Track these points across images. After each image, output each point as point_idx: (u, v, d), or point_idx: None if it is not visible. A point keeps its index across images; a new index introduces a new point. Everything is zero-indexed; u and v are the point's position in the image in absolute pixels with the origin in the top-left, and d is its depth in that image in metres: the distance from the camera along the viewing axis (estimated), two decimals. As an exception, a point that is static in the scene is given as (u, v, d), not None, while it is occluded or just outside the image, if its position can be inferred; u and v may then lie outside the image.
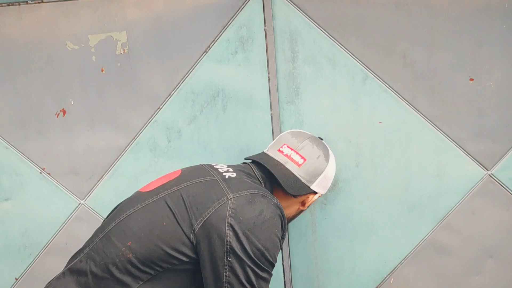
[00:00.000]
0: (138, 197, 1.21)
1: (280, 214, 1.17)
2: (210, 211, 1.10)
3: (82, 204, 1.71)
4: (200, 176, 1.20)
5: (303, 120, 1.60)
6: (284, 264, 1.70)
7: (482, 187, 1.61)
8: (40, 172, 1.70)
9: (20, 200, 1.72)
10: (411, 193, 1.63)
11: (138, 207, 1.17)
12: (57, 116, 1.65)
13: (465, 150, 1.59)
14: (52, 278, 1.19)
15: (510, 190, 1.60)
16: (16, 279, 1.77)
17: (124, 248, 1.10)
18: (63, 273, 1.16)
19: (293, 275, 1.72)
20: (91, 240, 1.20)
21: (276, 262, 1.15)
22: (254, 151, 1.62)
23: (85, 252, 1.17)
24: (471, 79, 1.54)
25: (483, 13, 1.50)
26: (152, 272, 1.10)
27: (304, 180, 1.29)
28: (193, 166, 1.30)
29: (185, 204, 1.12)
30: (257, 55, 1.57)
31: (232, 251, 1.07)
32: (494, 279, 1.67)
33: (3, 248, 1.75)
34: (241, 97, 1.59)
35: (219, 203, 1.11)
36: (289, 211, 1.36)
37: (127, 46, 1.59)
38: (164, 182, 1.22)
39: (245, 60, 1.57)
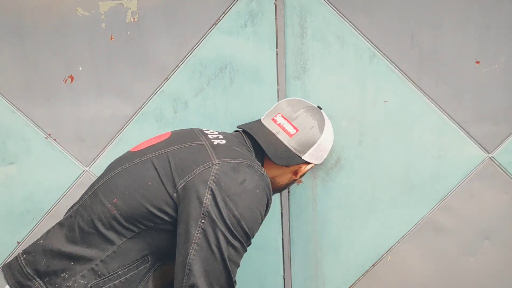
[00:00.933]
0: (127, 156, 1.24)
1: (265, 186, 1.15)
2: (194, 174, 1.11)
3: (87, 171, 1.73)
4: (189, 140, 1.21)
5: (309, 96, 1.62)
6: (283, 238, 1.73)
7: (482, 170, 1.63)
8: (46, 138, 1.71)
9: (25, 165, 1.73)
10: (411, 173, 1.65)
11: (126, 166, 1.19)
12: (65, 82, 1.66)
13: (467, 132, 1.61)
14: (44, 232, 1.21)
15: (509, 173, 1.63)
16: (18, 243, 1.79)
17: (109, 205, 1.13)
18: (53, 227, 1.20)
19: (292, 250, 1.74)
20: (81, 197, 1.23)
21: (253, 236, 1.14)
22: (259, 125, 1.63)
23: (75, 208, 1.20)
24: (477, 62, 1.56)
25: (492, -4, 1.52)
26: (135, 229, 1.12)
27: (295, 150, 1.31)
28: (184, 130, 1.32)
29: (170, 166, 1.14)
30: (266, 29, 1.57)
31: (208, 214, 1.07)
32: (489, 261, 1.70)
33: (7, 212, 1.77)
34: (249, 71, 1.60)
35: (204, 167, 1.12)
36: (281, 180, 1.38)
37: (137, 15, 1.59)
38: (153, 143, 1.24)
39: (254, 34, 1.58)
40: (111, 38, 1.62)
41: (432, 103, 1.59)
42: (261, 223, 1.17)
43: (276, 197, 1.70)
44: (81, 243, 1.12)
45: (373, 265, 1.74)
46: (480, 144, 1.61)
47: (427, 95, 1.59)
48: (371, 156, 1.65)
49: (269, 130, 1.32)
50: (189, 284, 1.06)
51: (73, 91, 1.67)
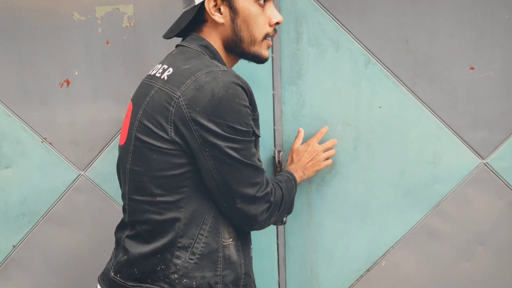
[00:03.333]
0: (122, 152, 1.24)
1: (232, 80, 1.10)
2: (171, 118, 1.10)
3: (82, 175, 1.73)
4: (146, 95, 1.18)
5: (304, 101, 1.62)
6: (278, 243, 1.73)
7: (476, 176, 1.64)
8: (42, 142, 1.72)
9: (20, 168, 1.74)
10: (406, 179, 1.65)
11: (129, 160, 1.20)
12: (61, 86, 1.67)
13: (461, 138, 1.61)
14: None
15: (504, 179, 1.63)
16: (14, 246, 1.79)
17: (149, 198, 1.15)
18: (119, 244, 1.27)
19: (286, 254, 1.75)
20: (124, 210, 1.27)
21: (250, 125, 1.13)
22: (254, 129, 1.64)
23: (126, 221, 1.24)
24: (472, 68, 1.56)
25: (486, 3, 1.52)
26: (178, 196, 1.14)
27: None
28: (137, 89, 1.27)
29: (151, 127, 1.13)
30: (261, 34, 1.58)
31: (205, 141, 1.08)
32: (483, 266, 1.70)
33: (2, 215, 1.77)
34: (244, 76, 1.59)
35: (172, 106, 1.10)
36: (238, 32, 1.21)
37: (134, 20, 1.60)
38: (128, 123, 1.23)
39: (250, 39, 1.58)
40: (107, 43, 1.62)
41: (427, 108, 1.60)
42: (253, 107, 1.16)
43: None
44: (154, 239, 1.16)
45: (368, 270, 1.74)
46: (474, 150, 1.62)
47: (422, 101, 1.60)
48: (366, 161, 1.65)
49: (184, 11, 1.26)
50: (236, 198, 1.13)
51: (69, 95, 1.67)
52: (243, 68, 1.60)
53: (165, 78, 1.15)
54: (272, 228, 1.72)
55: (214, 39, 1.22)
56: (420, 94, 1.59)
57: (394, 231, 1.70)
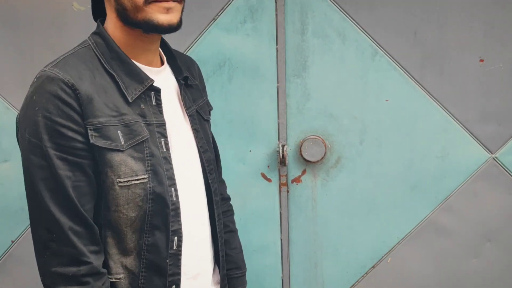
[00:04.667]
0: None
1: (42, 84, 0.89)
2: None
3: (82, 169, 1.71)
4: None
5: (310, 94, 1.59)
6: (282, 239, 1.70)
7: (485, 170, 1.61)
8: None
9: (20, 162, 1.69)
10: (414, 173, 1.62)
11: None
12: (61, 78, 1.64)
13: (470, 132, 1.58)
14: None
15: (513, 174, 1.60)
16: (12, 241, 1.76)
17: None
18: None
19: (290, 250, 1.72)
20: None
21: (47, 142, 0.88)
22: (258, 123, 1.61)
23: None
24: (481, 60, 1.53)
25: (497, -7, 1.49)
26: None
27: None
28: None
29: None
30: (266, 25, 1.55)
31: (20, 148, 0.94)
32: (492, 263, 1.68)
33: (1, 210, 1.74)
34: (248, 68, 1.58)
35: None
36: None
37: (135, 10, 1.56)
38: None
39: (254, 30, 1.55)
40: (108, 34, 1.59)
41: (435, 101, 1.57)
42: (88, 111, 0.91)
43: (275, 197, 1.67)
44: None
45: (373, 266, 1.71)
46: (483, 144, 1.59)
47: (430, 94, 1.57)
48: (372, 155, 1.62)
49: None
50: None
51: (68, 88, 1.64)
52: (246, 60, 1.57)
53: None
54: (276, 224, 1.69)
55: (110, 17, 1.00)
56: (428, 87, 1.56)
57: (400, 227, 1.67)
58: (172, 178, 0.98)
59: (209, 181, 1.11)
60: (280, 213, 1.68)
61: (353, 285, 1.74)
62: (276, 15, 1.54)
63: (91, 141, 0.89)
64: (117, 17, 0.97)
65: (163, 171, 0.96)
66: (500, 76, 1.54)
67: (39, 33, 1.61)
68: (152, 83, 0.98)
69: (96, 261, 0.92)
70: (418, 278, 1.72)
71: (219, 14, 1.55)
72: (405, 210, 1.65)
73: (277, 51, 1.57)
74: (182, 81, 1.09)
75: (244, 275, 1.30)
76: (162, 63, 1.09)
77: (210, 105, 1.23)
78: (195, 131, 1.09)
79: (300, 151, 1.61)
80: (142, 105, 0.97)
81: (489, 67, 1.53)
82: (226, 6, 1.54)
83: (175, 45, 1.57)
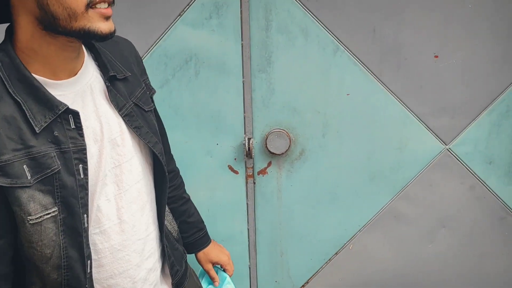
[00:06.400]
0: None
1: None
2: None
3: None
4: None
5: (274, 89, 1.63)
6: (249, 228, 1.75)
7: (440, 161, 1.69)
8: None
9: None
10: (373, 164, 1.70)
11: None
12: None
13: (426, 125, 1.66)
14: None
15: (466, 164, 1.70)
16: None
17: None
18: None
19: (257, 239, 1.77)
20: None
21: None
22: (225, 117, 1.65)
23: None
24: (436, 56, 1.61)
25: (450, -7, 1.56)
26: None
27: None
28: None
29: None
30: (231, 21, 1.58)
31: None
32: (446, 247, 1.78)
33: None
34: (214, 63, 1.61)
35: None
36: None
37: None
38: None
39: (219, 26, 1.58)
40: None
41: (393, 95, 1.64)
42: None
43: (242, 189, 1.72)
44: None
45: (336, 253, 1.79)
46: (437, 136, 1.67)
47: (388, 88, 1.63)
48: (334, 147, 1.68)
49: None
50: None
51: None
52: (212, 55, 1.60)
53: None
54: (242, 214, 1.74)
55: (24, 25, 0.84)
56: (386, 81, 1.63)
57: (361, 215, 1.75)
58: (85, 205, 0.93)
59: (165, 172, 1.10)
60: (247, 203, 1.73)
61: (317, 272, 1.81)
62: (241, 11, 1.57)
63: None
64: (37, 25, 0.83)
65: (77, 200, 0.90)
66: (453, 71, 1.62)
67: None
68: (67, 108, 0.88)
69: None
70: (378, 263, 1.81)
71: (185, 9, 1.57)
72: (365, 199, 1.73)
73: (242, 47, 1.60)
74: (107, 83, 0.98)
75: (206, 233, 1.37)
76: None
77: (152, 88, 1.15)
78: (137, 129, 1.02)
79: (266, 144, 1.66)
80: (55, 132, 0.87)
81: (444, 63, 1.61)
82: (191, 2, 1.56)
83: (141, 40, 1.59)
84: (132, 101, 1.03)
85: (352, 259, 1.79)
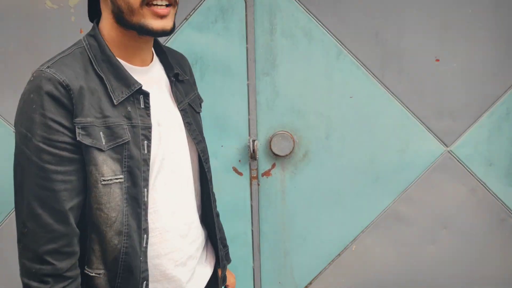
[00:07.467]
0: None
1: (36, 84, 0.93)
2: None
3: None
4: None
5: (278, 92, 1.66)
6: (253, 230, 1.77)
7: (441, 163, 1.72)
8: (14, 132, 1.69)
9: (-8, 159, 1.71)
10: (376, 166, 1.72)
11: None
12: (34, 76, 1.65)
13: (427, 127, 1.69)
14: None
15: (466, 166, 1.72)
16: (-14, 237, 1.77)
17: None
18: None
19: (261, 241, 1.79)
20: None
21: (40, 138, 0.92)
22: (230, 119, 1.67)
23: None
24: (437, 60, 1.64)
25: (451, -2, 1.60)
26: None
27: None
28: None
29: None
30: (236, 25, 1.60)
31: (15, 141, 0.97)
32: (447, 248, 1.80)
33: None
34: (219, 66, 1.63)
35: None
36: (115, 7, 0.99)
37: (108, 9, 1.59)
38: None
39: (225, 29, 1.61)
40: (81, 32, 1.61)
41: (395, 98, 1.67)
42: (79, 109, 0.94)
43: (246, 190, 1.73)
44: None
45: (339, 254, 1.80)
46: (439, 138, 1.70)
47: (390, 91, 1.66)
48: (337, 149, 1.71)
49: None
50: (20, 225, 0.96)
51: (41, 85, 1.65)
52: (217, 59, 1.62)
53: None
54: (246, 216, 1.76)
55: (106, 17, 1.02)
56: (389, 84, 1.66)
57: (364, 216, 1.77)
58: (146, 179, 1.01)
59: (205, 170, 1.17)
60: (251, 205, 1.75)
61: (320, 272, 1.82)
62: (246, 15, 1.60)
63: (78, 138, 0.93)
64: (113, 18, 0.99)
65: (140, 172, 0.99)
66: (454, 74, 1.65)
67: (12, 31, 1.61)
68: (140, 87, 1.00)
69: (62, 263, 0.94)
70: (381, 264, 1.82)
71: (191, 13, 1.60)
72: (368, 201, 1.75)
73: (247, 50, 1.63)
74: (173, 78, 1.11)
75: (228, 252, 1.40)
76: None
77: (201, 98, 1.27)
78: (188, 124, 1.12)
79: (270, 145, 1.68)
80: (128, 108, 0.99)
81: (444, 66, 1.64)
82: (198, 6, 1.59)
83: (148, 43, 1.60)
84: (187, 100, 1.16)
85: (355, 260, 1.81)
